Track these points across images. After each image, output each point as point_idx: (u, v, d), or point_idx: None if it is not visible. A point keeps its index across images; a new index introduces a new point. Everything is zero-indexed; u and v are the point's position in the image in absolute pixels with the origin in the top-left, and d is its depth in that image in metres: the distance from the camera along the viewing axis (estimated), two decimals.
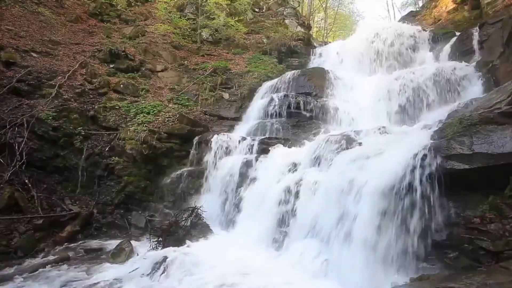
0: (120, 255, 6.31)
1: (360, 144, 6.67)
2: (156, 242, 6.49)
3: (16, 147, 7.88)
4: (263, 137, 8.88)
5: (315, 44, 17.22)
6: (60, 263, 6.11)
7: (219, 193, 8.07)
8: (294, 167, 7.21)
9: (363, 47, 12.53)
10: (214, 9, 14.67)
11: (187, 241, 6.33)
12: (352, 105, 9.88)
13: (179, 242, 6.27)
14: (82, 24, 13.75)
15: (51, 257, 6.37)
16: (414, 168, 4.79)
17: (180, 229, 6.69)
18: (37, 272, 5.75)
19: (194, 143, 9.36)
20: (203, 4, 14.99)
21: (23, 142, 7.97)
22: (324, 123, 9.53)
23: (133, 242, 6.83)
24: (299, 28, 17.52)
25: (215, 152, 8.80)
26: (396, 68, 11.37)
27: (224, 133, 9.37)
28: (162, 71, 12.75)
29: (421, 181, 4.68)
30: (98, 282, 5.30)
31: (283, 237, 6.23)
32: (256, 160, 8.00)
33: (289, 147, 8.09)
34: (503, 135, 4.42)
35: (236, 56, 14.51)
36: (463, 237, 4.26)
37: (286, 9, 18.84)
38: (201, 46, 14.76)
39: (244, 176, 7.90)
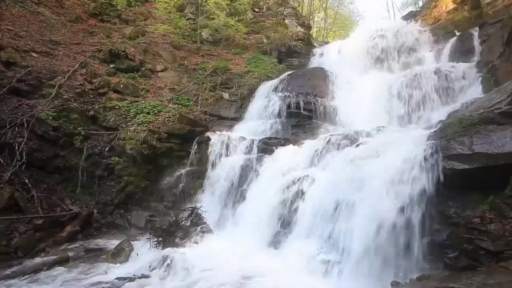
0: (120, 255, 6.31)
1: (360, 144, 6.67)
2: (156, 242, 6.48)
3: (16, 147, 7.87)
4: (263, 137, 8.88)
5: (315, 44, 17.18)
6: (60, 263, 6.10)
7: (219, 193, 8.06)
8: (294, 167, 7.21)
9: (363, 47, 12.53)
10: (214, 9, 14.65)
11: (187, 241, 6.33)
12: (352, 105, 9.87)
13: (179, 242, 6.27)
14: (82, 24, 13.74)
15: (51, 257, 6.35)
16: (414, 168, 4.80)
17: (180, 229, 6.69)
18: (37, 272, 5.73)
19: (194, 143, 9.35)
20: (203, 4, 14.97)
21: (23, 142, 7.97)
22: (324, 123, 9.53)
23: (133, 242, 6.84)
24: (299, 28, 17.50)
25: (215, 152, 8.80)
26: (396, 68, 11.37)
27: (224, 133, 9.37)
28: (162, 71, 12.74)
29: (420, 181, 4.69)
30: (98, 282, 5.29)
31: (284, 236, 6.23)
32: (257, 160, 8.00)
33: (289, 147, 8.07)
34: (503, 135, 4.42)
35: (236, 56, 14.50)
36: (463, 237, 4.26)
37: (286, 9, 18.79)
38: (201, 46, 14.75)
39: (244, 176, 7.90)
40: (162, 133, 9.43)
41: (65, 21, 13.29)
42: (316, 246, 5.48)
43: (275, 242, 6.25)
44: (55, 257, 6.35)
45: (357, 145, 6.63)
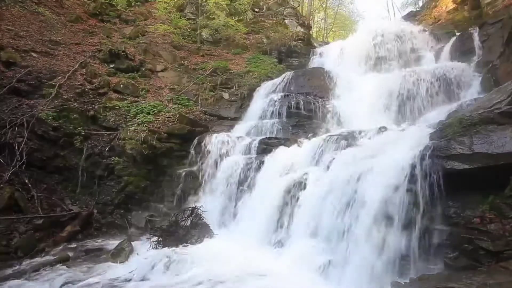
0: (120, 255, 6.31)
1: (360, 144, 6.67)
2: (156, 242, 6.49)
3: (16, 147, 7.87)
4: (263, 137, 8.88)
5: (315, 44, 17.18)
6: (60, 263, 6.10)
7: (219, 193, 8.06)
8: (294, 167, 7.21)
9: (363, 47, 12.53)
10: (214, 9, 14.65)
11: (187, 241, 6.33)
12: (352, 105, 9.86)
13: (179, 242, 6.28)
14: (82, 24, 13.74)
15: (51, 257, 6.36)
16: (414, 168, 4.80)
17: (180, 229, 6.70)
18: (37, 272, 5.74)
19: (194, 143, 9.34)
20: (203, 4, 14.97)
21: (23, 142, 7.96)
22: (324, 123, 9.53)
23: (133, 242, 6.84)
24: (299, 28, 17.49)
25: (215, 152, 8.79)
26: (396, 68, 11.36)
27: (224, 133, 9.37)
28: (162, 71, 12.74)
29: (421, 181, 4.69)
30: (98, 282, 5.30)
31: (284, 236, 6.23)
32: (257, 160, 8.00)
33: (289, 147, 8.07)
34: (503, 135, 4.43)
35: (236, 56, 14.50)
36: (463, 237, 4.26)
37: (286, 9, 18.78)
38: (201, 46, 14.75)
39: (244, 176, 7.90)
40: (162, 133, 9.43)
41: (65, 21, 13.28)
42: (317, 246, 5.48)
43: (276, 242, 6.25)
44: (55, 257, 6.36)
45: (357, 145, 6.63)
